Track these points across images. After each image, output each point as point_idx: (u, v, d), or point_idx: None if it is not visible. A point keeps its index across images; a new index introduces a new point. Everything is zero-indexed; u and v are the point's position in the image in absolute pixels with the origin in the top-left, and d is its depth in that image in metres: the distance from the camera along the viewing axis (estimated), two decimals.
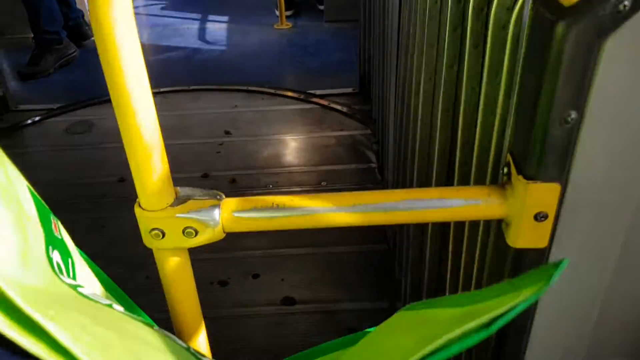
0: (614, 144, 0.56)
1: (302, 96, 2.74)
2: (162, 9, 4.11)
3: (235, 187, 2.12)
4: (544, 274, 0.37)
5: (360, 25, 2.45)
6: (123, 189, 2.11)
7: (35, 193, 0.49)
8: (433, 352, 0.36)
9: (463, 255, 0.88)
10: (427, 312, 0.47)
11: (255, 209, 0.61)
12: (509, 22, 0.64)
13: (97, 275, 0.60)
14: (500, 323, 0.36)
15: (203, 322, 0.70)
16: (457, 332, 0.36)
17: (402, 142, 1.37)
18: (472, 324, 0.36)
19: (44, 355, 0.31)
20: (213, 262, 1.77)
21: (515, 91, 0.62)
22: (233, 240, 1.91)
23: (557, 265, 0.36)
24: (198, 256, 1.74)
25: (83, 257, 0.58)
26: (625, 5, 0.47)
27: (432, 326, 0.41)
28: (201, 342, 0.70)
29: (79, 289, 0.46)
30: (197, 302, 0.68)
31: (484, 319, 0.36)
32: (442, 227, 1.08)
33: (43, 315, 0.31)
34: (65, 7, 3.23)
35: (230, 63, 3.21)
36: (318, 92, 2.75)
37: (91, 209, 2.03)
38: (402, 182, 1.42)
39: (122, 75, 0.51)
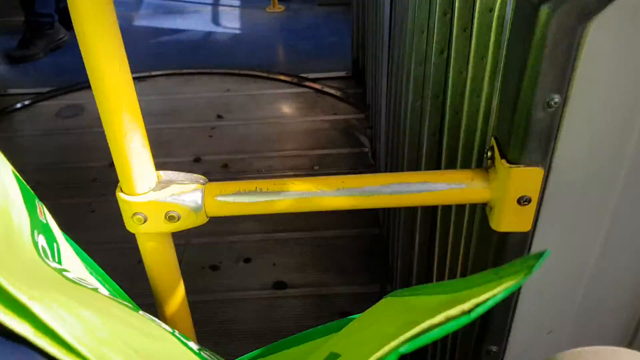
0: (597, 128, 0.56)
1: (295, 80, 2.72)
2: None
3: (227, 172, 2.11)
4: (525, 264, 0.37)
5: (352, 8, 2.43)
6: (113, 173, 2.07)
7: (20, 177, 0.48)
8: (414, 337, 0.37)
9: (450, 239, 0.88)
10: (412, 299, 0.47)
11: (238, 192, 0.61)
12: (495, 4, 0.64)
13: (83, 259, 0.59)
14: (481, 310, 0.37)
15: (188, 306, 0.70)
16: (439, 317, 0.37)
17: (393, 127, 1.37)
18: (453, 311, 0.37)
19: (29, 335, 0.31)
20: (204, 246, 1.77)
21: (500, 74, 0.62)
22: (224, 224, 1.91)
23: (539, 255, 0.36)
24: (189, 241, 1.76)
25: (69, 242, 0.58)
26: None
27: (416, 313, 0.41)
28: (186, 326, 0.70)
29: (65, 273, 0.46)
30: (182, 286, 0.68)
31: (466, 305, 0.37)
32: (431, 211, 1.08)
33: (28, 296, 0.31)
34: None
35: (223, 46, 3.19)
36: (311, 75, 2.73)
37: (81, 193, 2.02)
38: (393, 167, 1.41)
39: (100, 58, 0.51)
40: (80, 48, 0.51)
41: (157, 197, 0.59)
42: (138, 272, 1.57)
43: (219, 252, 1.76)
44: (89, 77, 0.53)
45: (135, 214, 0.59)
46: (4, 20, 3.43)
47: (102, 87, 0.52)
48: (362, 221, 1.84)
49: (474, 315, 0.36)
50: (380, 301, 0.54)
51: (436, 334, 0.36)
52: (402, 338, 0.37)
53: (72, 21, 0.50)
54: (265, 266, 1.71)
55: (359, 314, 0.58)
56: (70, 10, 0.49)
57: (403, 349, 0.37)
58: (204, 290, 1.63)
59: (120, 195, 0.59)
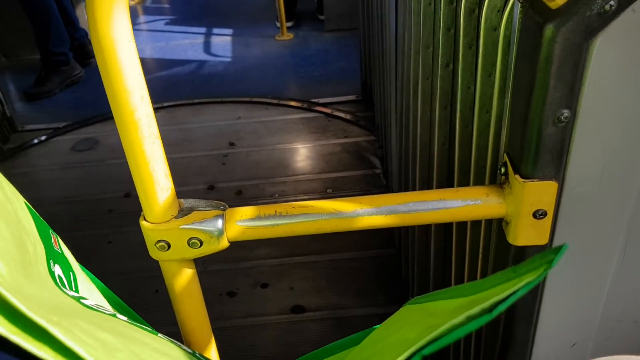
0: (608, 140, 0.57)
1: (305, 105, 2.75)
2: (165, 24, 4.15)
3: (241, 198, 2.13)
4: (545, 259, 0.37)
5: (360, 32, 2.47)
6: (129, 204, 2.13)
7: (33, 210, 0.49)
8: (437, 338, 0.37)
9: (467, 255, 0.89)
10: (431, 305, 0.47)
11: (258, 217, 0.62)
12: (499, 24, 0.65)
13: (99, 288, 0.60)
14: (502, 308, 0.36)
15: (211, 331, 0.71)
16: (460, 318, 0.37)
17: (404, 145, 1.38)
18: (474, 310, 0.36)
19: (49, 358, 0.32)
20: (221, 273, 1.78)
21: (509, 91, 0.63)
22: (240, 250, 1.92)
23: (557, 250, 0.36)
24: (206, 267, 1.77)
25: (84, 272, 0.59)
26: (611, 5, 0.48)
27: (436, 317, 0.41)
28: (210, 351, 0.71)
29: (82, 301, 0.47)
30: (205, 312, 0.69)
31: (486, 304, 0.36)
32: (445, 228, 1.09)
33: (47, 321, 0.32)
34: (70, 27, 3.27)
35: (233, 75, 3.24)
36: (321, 100, 2.77)
37: (98, 224, 2.05)
38: (405, 184, 1.42)
39: (123, 91, 0.53)
40: (104, 83, 0.53)
41: (179, 224, 0.60)
42: (156, 301, 1.59)
43: (236, 278, 1.77)
44: (112, 110, 0.54)
45: (158, 241, 0.61)
46: (21, 59, 3.52)
47: (124, 119, 0.54)
48: (377, 242, 1.84)
49: (495, 313, 0.36)
50: (399, 310, 0.54)
51: (458, 334, 0.36)
52: (424, 340, 0.37)
53: (96, 58, 0.52)
54: (282, 291, 1.72)
55: (378, 325, 0.58)
56: (93, 45, 0.51)
57: (426, 351, 0.37)
58: (222, 316, 1.64)
59: (143, 224, 0.60)
